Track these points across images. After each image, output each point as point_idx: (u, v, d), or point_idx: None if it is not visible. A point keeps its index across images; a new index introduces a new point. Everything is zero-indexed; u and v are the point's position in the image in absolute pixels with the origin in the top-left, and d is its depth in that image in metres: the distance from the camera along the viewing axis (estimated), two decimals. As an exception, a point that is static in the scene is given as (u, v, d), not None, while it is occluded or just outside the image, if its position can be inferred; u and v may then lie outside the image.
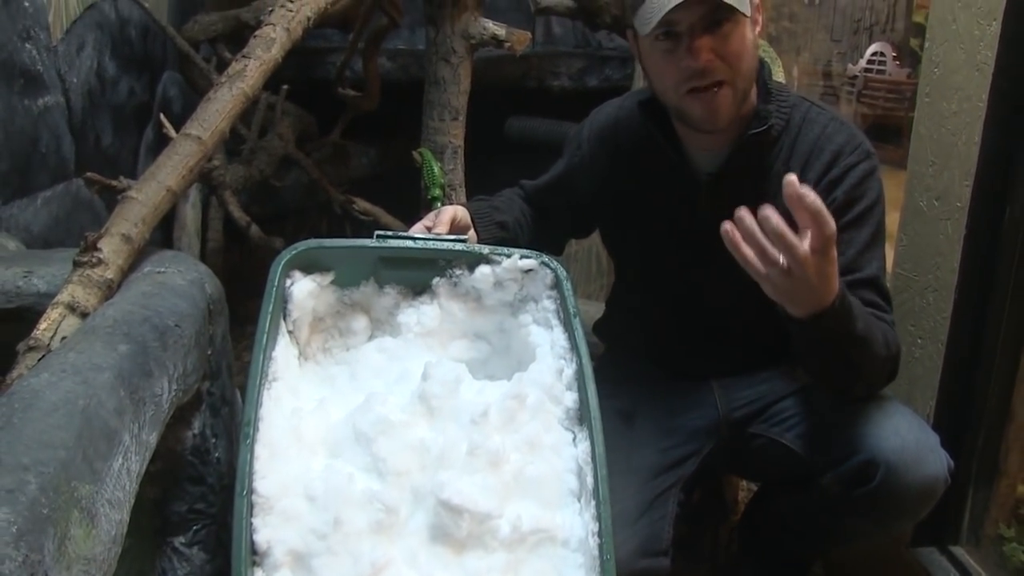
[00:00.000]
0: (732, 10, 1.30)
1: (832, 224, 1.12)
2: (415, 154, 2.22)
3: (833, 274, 1.18)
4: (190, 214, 2.46)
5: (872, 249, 1.41)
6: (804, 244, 1.12)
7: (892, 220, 1.71)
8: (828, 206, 1.38)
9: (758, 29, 1.40)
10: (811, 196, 1.10)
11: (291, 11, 1.48)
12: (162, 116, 1.62)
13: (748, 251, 1.14)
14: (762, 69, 1.47)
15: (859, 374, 1.34)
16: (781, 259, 1.12)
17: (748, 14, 1.33)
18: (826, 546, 1.68)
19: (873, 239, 1.41)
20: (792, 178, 1.11)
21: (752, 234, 1.12)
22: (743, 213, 1.13)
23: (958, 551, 1.64)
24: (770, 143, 1.44)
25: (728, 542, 1.98)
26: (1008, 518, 1.66)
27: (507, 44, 2.19)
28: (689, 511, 1.83)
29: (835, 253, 1.16)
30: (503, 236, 1.59)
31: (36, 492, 0.66)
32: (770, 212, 1.11)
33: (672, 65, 1.36)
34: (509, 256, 1.37)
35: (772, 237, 1.11)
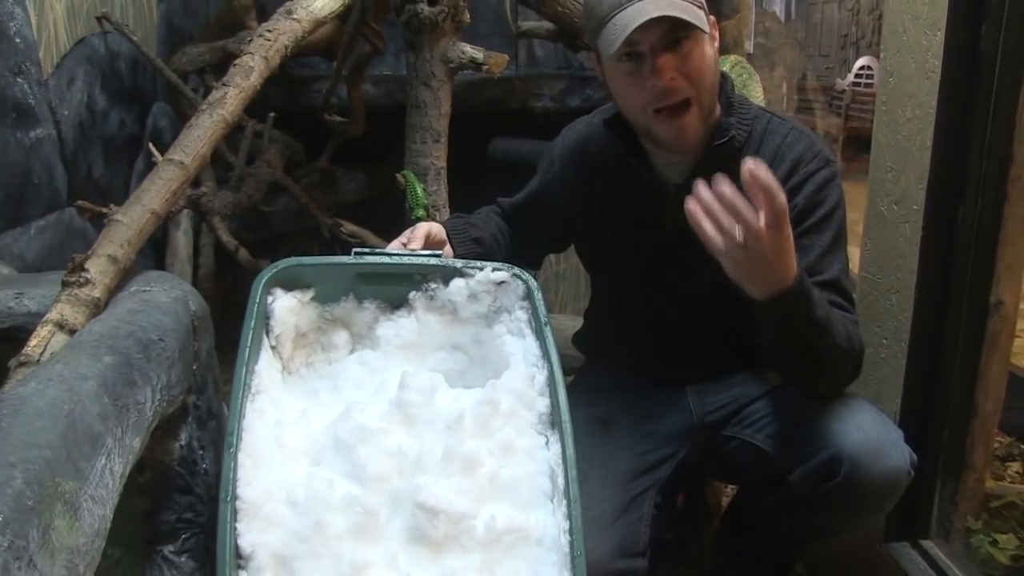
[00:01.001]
0: (691, 28, 1.36)
1: (782, 198, 1.17)
2: (399, 176, 2.28)
3: (789, 253, 1.23)
4: (182, 240, 2.52)
5: (833, 252, 1.46)
6: (760, 218, 1.17)
7: (858, 226, 1.77)
8: (789, 212, 1.45)
9: (716, 44, 1.45)
10: (763, 172, 1.15)
11: (269, 40, 1.54)
12: (151, 144, 1.69)
13: (708, 226, 1.19)
14: (725, 83, 1.52)
15: (821, 363, 1.37)
16: (737, 232, 1.17)
17: (707, 30, 1.38)
18: (802, 543, 1.72)
19: (834, 242, 1.46)
20: (751, 161, 1.16)
21: (710, 207, 1.18)
22: (702, 187, 1.19)
23: (928, 545, 1.68)
24: (734, 154, 1.49)
25: (713, 545, 2.02)
26: (976, 511, 1.71)
27: (485, 67, 2.26)
28: (674, 515, 1.87)
29: (790, 231, 1.21)
30: (479, 251, 1.64)
31: (22, 486, 0.72)
32: (725, 186, 1.17)
33: (637, 86, 1.41)
34: (482, 269, 1.43)
35: (728, 208, 1.17)
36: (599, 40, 1.41)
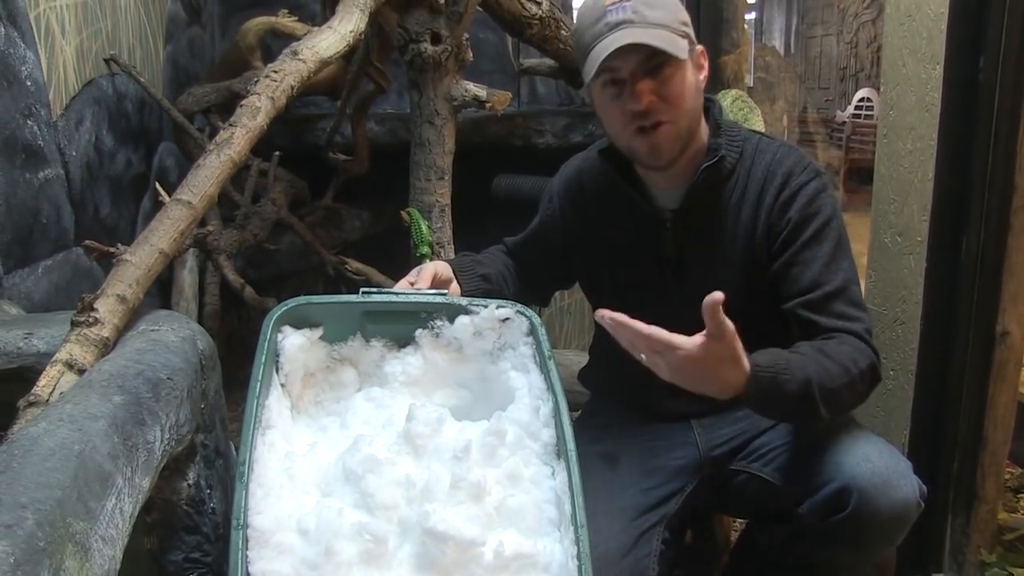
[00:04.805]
0: (668, 55, 1.40)
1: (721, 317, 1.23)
2: (403, 214, 2.29)
3: (720, 366, 1.27)
4: (187, 279, 2.53)
5: (836, 261, 1.46)
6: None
7: (863, 258, 1.77)
8: (784, 226, 1.46)
9: (703, 75, 1.49)
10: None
11: (275, 81, 1.56)
12: (157, 184, 1.70)
13: (625, 343, 1.27)
14: (712, 107, 1.55)
15: (819, 414, 1.37)
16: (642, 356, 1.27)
17: (682, 57, 1.42)
18: (812, 578, 1.71)
19: (835, 251, 1.46)
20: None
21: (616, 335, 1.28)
22: (602, 312, 1.27)
23: (941, 578, 1.67)
24: (726, 176, 1.52)
25: (722, 581, 2.00)
26: (990, 544, 1.69)
27: (488, 104, 2.28)
28: (682, 551, 1.86)
29: (700, 352, 1.25)
30: (487, 288, 1.65)
31: (33, 527, 0.72)
32: (606, 314, 1.26)
33: (618, 109, 1.46)
34: (486, 307, 1.45)
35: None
36: (584, 67, 1.45)
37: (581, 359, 1.91)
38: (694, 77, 1.46)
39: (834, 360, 1.37)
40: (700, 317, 1.54)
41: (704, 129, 1.53)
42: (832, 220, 1.48)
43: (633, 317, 1.64)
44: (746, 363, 1.28)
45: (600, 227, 1.64)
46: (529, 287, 1.79)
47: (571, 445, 1.25)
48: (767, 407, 1.35)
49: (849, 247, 1.49)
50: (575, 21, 1.51)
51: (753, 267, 1.52)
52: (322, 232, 2.90)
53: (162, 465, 1.10)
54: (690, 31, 1.45)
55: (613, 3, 1.41)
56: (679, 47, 1.41)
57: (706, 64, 1.50)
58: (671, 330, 1.59)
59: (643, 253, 1.59)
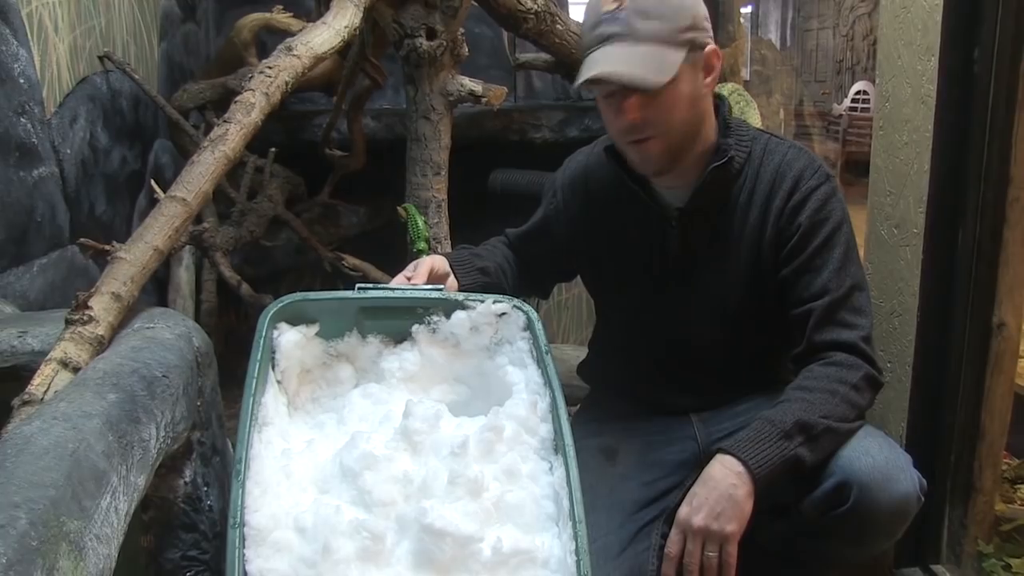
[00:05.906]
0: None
1: None
2: (400, 209, 2.29)
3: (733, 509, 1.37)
4: (184, 276, 2.52)
5: (845, 268, 1.45)
6: None
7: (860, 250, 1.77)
8: (795, 232, 1.45)
9: (711, 76, 1.46)
10: None
11: (269, 77, 1.55)
12: (152, 181, 1.70)
13: None
14: (722, 106, 1.54)
15: (826, 442, 1.39)
16: None
17: (661, 84, 1.37)
18: (812, 572, 1.70)
19: (845, 257, 1.46)
20: None
21: None
22: None
23: (940, 570, 1.67)
24: (734, 175, 1.51)
25: None
26: (987, 535, 1.69)
27: (484, 99, 2.27)
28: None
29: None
30: (485, 281, 1.65)
31: (26, 526, 0.72)
32: None
33: (612, 116, 1.46)
34: (483, 302, 1.45)
35: None
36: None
37: (579, 354, 1.91)
38: (691, 86, 1.42)
39: (815, 390, 1.39)
40: (702, 314, 1.55)
41: (713, 127, 1.51)
42: (842, 225, 1.47)
43: (636, 313, 1.65)
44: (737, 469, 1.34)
45: (605, 223, 1.64)
46: (529, 280, 1.79)
47: (569, 440, 1.25)
48: (780, 466, 1.35)
49: (857, 250, 1.49)
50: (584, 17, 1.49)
51: (758, 268, 1.51)
52: (319, 228, 2.89)
53: (158, 463, 1.10)
54: (695, 35, 1.40)
55: (608, 11, 1.38)
56: (664, 68, 1.37)
57: (717, 64, 1.46)
58: (673, 326, 1.60)
59: (648, 250, 1.59)
